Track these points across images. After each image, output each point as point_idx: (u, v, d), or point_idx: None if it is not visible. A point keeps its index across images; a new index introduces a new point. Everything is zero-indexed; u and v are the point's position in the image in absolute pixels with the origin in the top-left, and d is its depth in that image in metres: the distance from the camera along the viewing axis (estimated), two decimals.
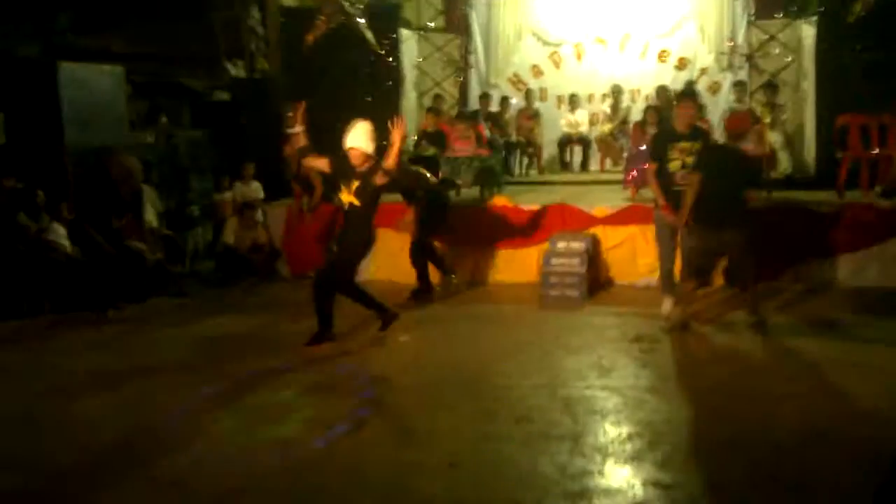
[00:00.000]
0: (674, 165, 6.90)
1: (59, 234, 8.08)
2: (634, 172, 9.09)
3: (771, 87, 11.16)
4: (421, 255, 8.25)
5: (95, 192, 8.50)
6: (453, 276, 8.49)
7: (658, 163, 6.96)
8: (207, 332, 7.36)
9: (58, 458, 4.65)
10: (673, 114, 7.34)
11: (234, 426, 5.05)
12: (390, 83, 11.19)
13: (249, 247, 9.37)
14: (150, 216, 9.10)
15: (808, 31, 10.56)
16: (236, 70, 12.57)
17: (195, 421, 5.15)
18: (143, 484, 4.27)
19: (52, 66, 9.21)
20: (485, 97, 12.01)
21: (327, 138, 10.89)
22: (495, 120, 11.56)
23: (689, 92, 7.83)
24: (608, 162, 11.99)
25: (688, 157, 6.80)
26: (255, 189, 10.19)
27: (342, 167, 6.53)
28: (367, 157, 6.43)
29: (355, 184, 6.43)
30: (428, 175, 8.11)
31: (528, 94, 12.46)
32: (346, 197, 6.48)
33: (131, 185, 8.11)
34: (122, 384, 6.02)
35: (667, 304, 7.13)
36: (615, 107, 12.00)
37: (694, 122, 7.06)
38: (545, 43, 12.89)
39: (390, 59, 11.08)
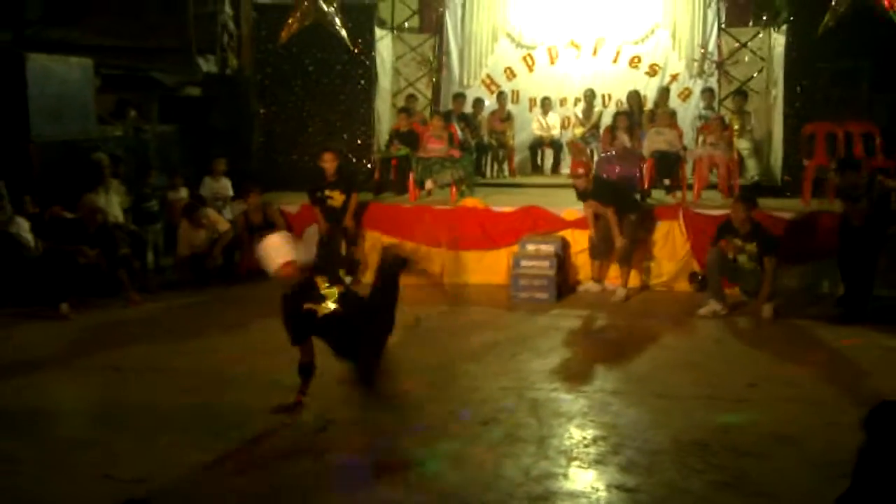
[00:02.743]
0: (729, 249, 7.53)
1: (23, 227, 7.95)
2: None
3: (741, 94, 11.29)
4: None
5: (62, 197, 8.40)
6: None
7: (716, 245, 7.60)
8: (171, 328, 7.29)
9: (24, 455, 4.59)
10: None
11: (196, 427, 4.99)
12: (363, 82, 11.13)
13: (223, 244, 9.02)
14: (117, 211, 8.97)
15: (778, 40, 10.67)
16: (208, 66, 12.46)
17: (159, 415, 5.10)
18: (101, 480, 4.22)
19: (20, 58, 9.06)
20: (459, 97, 12.02)
21: (300, 139, 10.94)
22: (468, 121, 11.58)
23: (742, 196, 7.98)
24: None
25: (740, 255, 7.46)
26: (225, 186, 10.08)
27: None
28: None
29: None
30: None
31: (500, 97, 12.48)
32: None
33: (96, 220, 8.05)
34: (83, 379, 5.96)
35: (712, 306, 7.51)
36: (587, 111, 12.06)
37: (746, 222, 7.45)
38: (519, 45, 12.90)
39: (364, 58, 11.03)
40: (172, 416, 5.14)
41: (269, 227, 9.23)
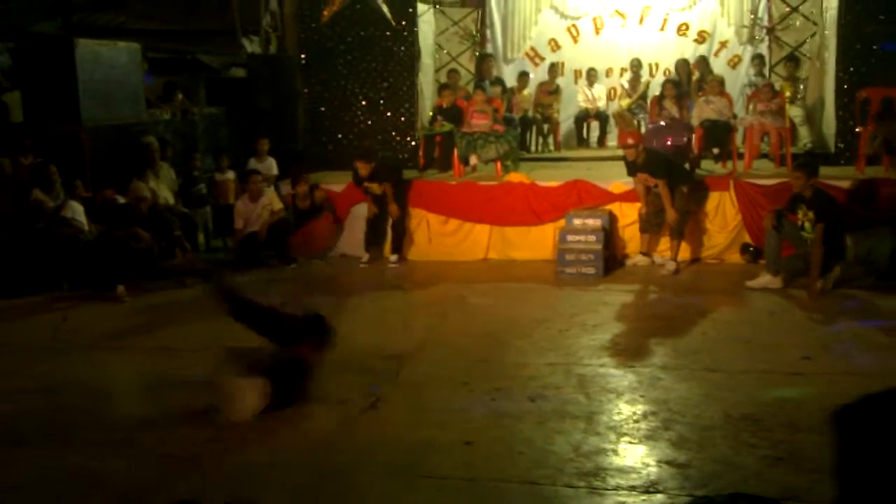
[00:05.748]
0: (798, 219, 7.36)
1: (77, 210, 8.11)
2: None
3: (792, 60, 11.00)
4: None
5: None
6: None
7: (778, 212, 7.45)
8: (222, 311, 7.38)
9: (84, 434, 4.71)
10: None
11: None
12: (406, 59, 11.08)
13: (271, 222, 8.99)
14: (167, 194, 9.10)
15: (831, 3, 10.35)
16: (252, 46, 12.53)
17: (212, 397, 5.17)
18: (158, 459, 4.32)
19: (69, 43, 9.19)
20: (487, 57, 11.97)
21: (344, 117, 10.95)
22: (503, 85, 11.50)
23: (801, 163, 7.73)
24: None
25: (806, 221, 7.24)
26: (269, 166, 10.13)
27: None
28: None
29: None
30: None
31: (551, 68, 12.32)
32: None
33: (145, 205, 8.21)
34: (139, 359, 6.08)
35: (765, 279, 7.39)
36: (634, 81, 11.87)
37: (805, 189, 7.26)
38: (563, 16, 12.71)
39: (406, 34, 10.98)
40: None
41: (316, 211, 9.33)
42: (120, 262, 7.74)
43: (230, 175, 9.97)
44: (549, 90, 12.04)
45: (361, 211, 9.25)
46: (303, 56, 11.19)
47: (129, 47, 9.91)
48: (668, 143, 9.12)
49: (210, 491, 3.99)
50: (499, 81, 11.67)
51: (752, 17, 11.81)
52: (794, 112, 10.29)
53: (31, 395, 5.39)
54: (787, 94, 10.31)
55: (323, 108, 11.07)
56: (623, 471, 4.02)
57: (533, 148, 11.89)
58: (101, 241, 7.94)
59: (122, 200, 8.42)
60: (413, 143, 10.77)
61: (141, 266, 7.98)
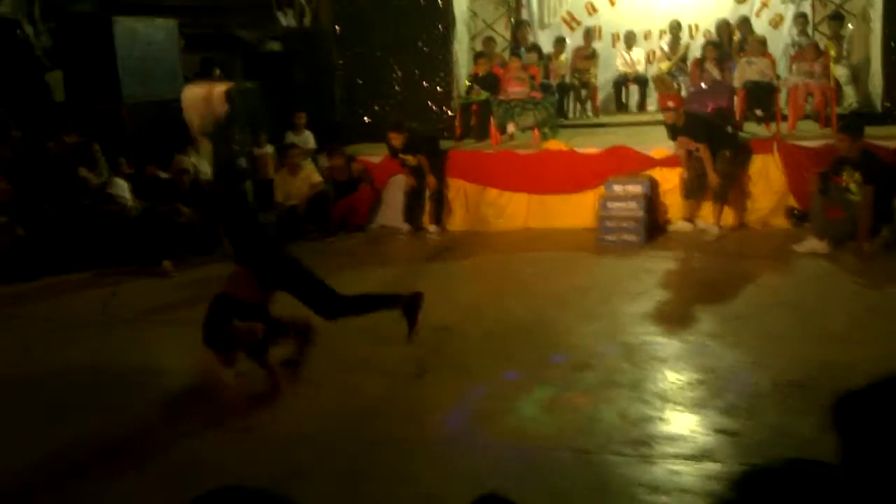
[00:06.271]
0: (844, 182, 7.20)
1: (121, 187, 8.22)
2: None
3: (836, 18, 10.71)
4: None
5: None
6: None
7: (823, 175, 7.34)
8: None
9: (134, 408, 4.81)
10: None
11: (301, 374, 5.13)
12: (441, 27, 10.98)
13: (310, 195, 9.07)
14: (208, 169, 9.18)
15: None
16: (287, 20, 12.50)
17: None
18: (216, 431, 4.42)
19: (107, 22, 9.28)
20: (518, 24, 11.85)
21: (380, 89, 10.90)
22: (540, 52, 11.35)
23: (846, 126, 7.55)
24: None
25: (851, 183, 7.07)
26: (307, 139, 10.17)
27: None
28: None
29: None
30: None
31: (586, 33, 12.15)
32: None
33: (188, 179, 8.29)
34: (185, 333, 6.16)
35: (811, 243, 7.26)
36: (673, 44, 11.65)
37: (851, 151, 7.13)
38: None
39: (440, 2, 10.86)
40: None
41: (354, 183, 9.36)
42: (165, 237, 7.85)
43: (269, 149, 10.01)
44: (586, 55, 11.87)
45: (400, 182, 9.26)
46: (337, 28, 11.14)
47: (165, 24, 9.97)
48: (710, 105, 8.98)
49: (260, 463, 4.06)
50: (535, 48, 11.53)
51: None
52: (839, 72, 10.02)
53: (78, 369, 5.50)
54: (832, 53, 10.04)
55: (359, 80, 11.02)
56: (673, 439, 4.01)
57: (571, 114, 11.76)
58: (146, 216, 8.05)
59: (164, 176, 8.51)
60: (449, 112, 10.69)
61: (185, 240, 8.07)
